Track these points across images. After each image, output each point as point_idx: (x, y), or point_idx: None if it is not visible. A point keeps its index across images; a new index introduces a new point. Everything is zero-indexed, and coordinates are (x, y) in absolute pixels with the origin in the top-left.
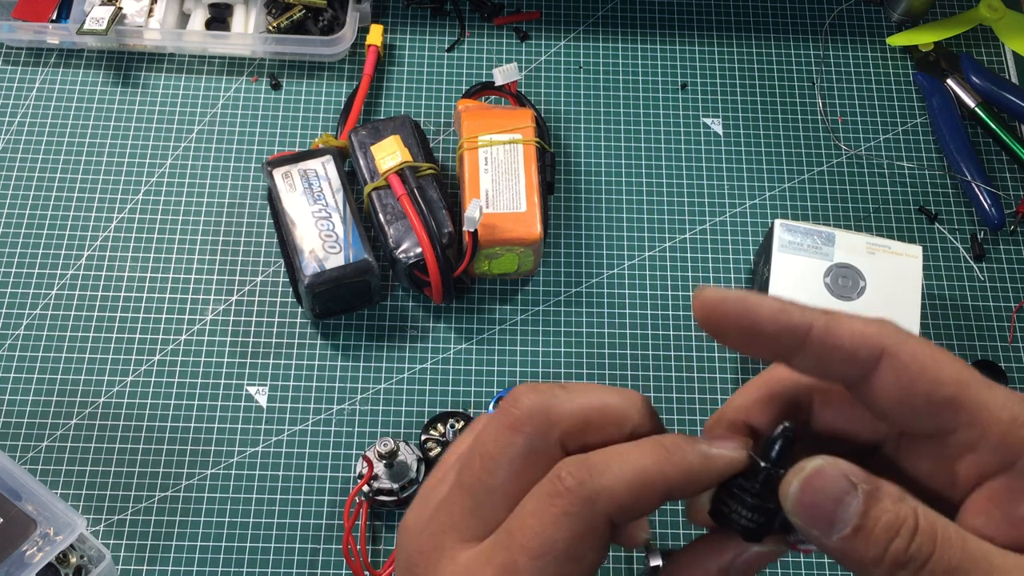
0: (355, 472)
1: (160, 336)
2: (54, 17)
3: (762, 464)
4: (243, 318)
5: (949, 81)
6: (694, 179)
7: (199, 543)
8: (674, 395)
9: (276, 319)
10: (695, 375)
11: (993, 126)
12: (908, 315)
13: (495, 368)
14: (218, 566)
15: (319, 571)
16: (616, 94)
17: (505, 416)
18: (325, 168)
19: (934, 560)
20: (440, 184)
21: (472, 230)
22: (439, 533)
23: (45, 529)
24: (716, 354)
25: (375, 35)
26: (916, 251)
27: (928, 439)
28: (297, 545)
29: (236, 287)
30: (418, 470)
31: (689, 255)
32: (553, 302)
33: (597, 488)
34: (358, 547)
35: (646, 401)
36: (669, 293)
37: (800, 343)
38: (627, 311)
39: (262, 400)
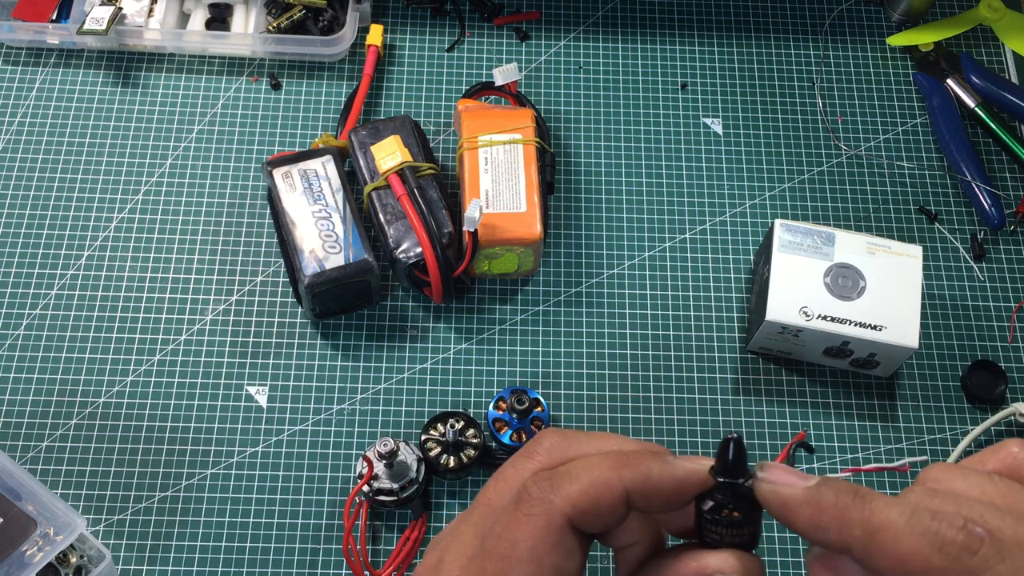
0: (355, 472)
1: (160, 336)
2: (54, 17)
3: (719, 480)
4: (243, 318)
5: (949, 81)
6: (694, 179)
7: (199, 543)
8: (674, 395)
9: (276, 319)
10: (695, 375)
11: (993, 126)
12: (908, 315)
13: (495, 368)
14: (218, 566)
15: (319, 571)
16: (616, 94)
17: (522, 464)
18: (325, 168)
19: None
20: (440, 184)
21: (472, 230)
22: (445, 549)
23: (45, 529)
24: (716, 354)
25: (375, 35)
26: (916, 251)
27: None
28: (297, 545)
29: (236, 287)
30: (418, 470)
31: (689, 255)
32: (553, 302)
33: (556, 490)
34: (358, 547)
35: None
36: (669, 293)
37: (847, 552)
38: (627, 311)
39: (262, 400)
